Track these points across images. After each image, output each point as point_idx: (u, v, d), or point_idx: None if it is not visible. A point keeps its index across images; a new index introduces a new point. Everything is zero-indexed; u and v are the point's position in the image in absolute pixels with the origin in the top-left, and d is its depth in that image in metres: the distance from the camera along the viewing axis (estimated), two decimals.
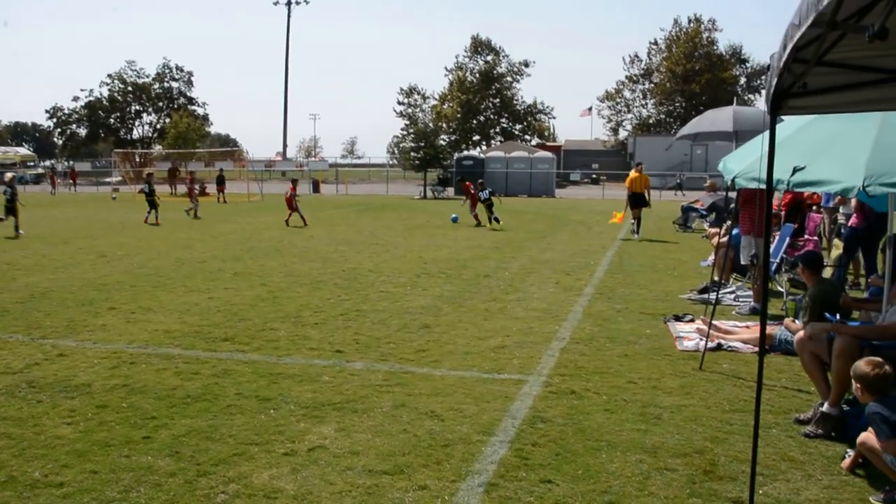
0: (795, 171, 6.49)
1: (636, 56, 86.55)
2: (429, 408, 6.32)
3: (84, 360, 7.73)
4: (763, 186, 7.71)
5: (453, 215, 23.69)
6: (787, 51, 3.29)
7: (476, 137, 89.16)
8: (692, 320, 9.75)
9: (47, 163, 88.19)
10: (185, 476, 4.91)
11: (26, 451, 5.32)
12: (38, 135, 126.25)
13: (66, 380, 7.05)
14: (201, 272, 13.85)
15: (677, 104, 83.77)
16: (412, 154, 48.39)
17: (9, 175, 22.46)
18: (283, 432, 5.71)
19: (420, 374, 7.36)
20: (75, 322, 9.57)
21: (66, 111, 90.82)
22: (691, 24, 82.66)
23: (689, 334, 9.00)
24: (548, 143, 77.34)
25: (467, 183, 27.07)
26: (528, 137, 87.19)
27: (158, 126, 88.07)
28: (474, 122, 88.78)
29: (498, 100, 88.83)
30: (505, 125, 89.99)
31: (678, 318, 9.87)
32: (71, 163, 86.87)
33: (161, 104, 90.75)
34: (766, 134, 4.52)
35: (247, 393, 6.65)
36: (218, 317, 9.92)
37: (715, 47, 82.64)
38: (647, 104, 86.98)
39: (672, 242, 20.11)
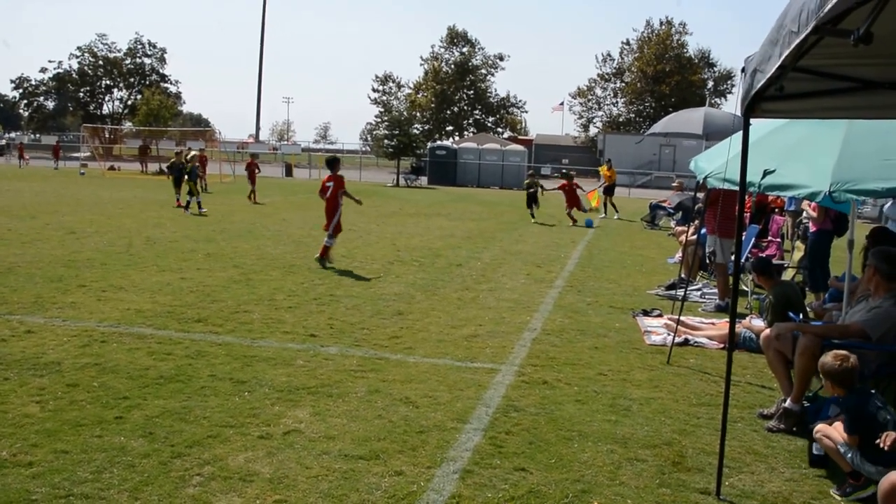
0: (766, 174, 6.62)
1: (608, 55, 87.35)
2: (403, 394, 6.36)
3: (53, 338, 7.64)
4: (732, 187, 7.85)
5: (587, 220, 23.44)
6: (782, 57, 3.34)
7: (449, 128, 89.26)
8: (660, 315, 9.89)
9: (12, 135, 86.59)
10: (160, 457, 4.90)
11: None
12: (1, 105, 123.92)
13: (34, 357, 6.97)
14: (173, 252, 13.75)
15: (647, 104, 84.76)
16: (386, 142, 48.28)
17: None
18: (257, 415, 5.72)
19: (394, 360, 7.41)
20: (43, 298, 9.45)
21: (34, 82, 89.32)
22: (663, 27, 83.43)
23: (656, 329, 9.14)
24: (519, 137, 77.53)
25: (565, 183, 24.49)
26: (500, 130, 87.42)
27: (129, 102, 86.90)
28: (448, 112, 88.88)
29: (472, 91, 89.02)
30: (478, 117, 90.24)
31: (646, 313, 10.01)
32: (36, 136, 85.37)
33: (132, 80, 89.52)
34: (738, 136, 4.61)
35: (221, 375, 6.65)
36: (191, 297, 9.87)
37: (685, 50, 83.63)
38: (617, 102, 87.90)
39: (640, 239, 20.31)
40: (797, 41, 3.07)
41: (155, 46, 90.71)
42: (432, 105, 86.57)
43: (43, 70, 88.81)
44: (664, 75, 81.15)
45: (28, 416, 5.52)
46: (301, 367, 7.00)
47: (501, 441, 5.42)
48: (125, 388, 6.23)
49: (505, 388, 6.65)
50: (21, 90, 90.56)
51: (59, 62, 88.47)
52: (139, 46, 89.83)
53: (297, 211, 23.93)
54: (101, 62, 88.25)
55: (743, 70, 4.31)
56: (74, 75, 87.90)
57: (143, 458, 4.88)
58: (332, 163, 13.43)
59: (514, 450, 5.28)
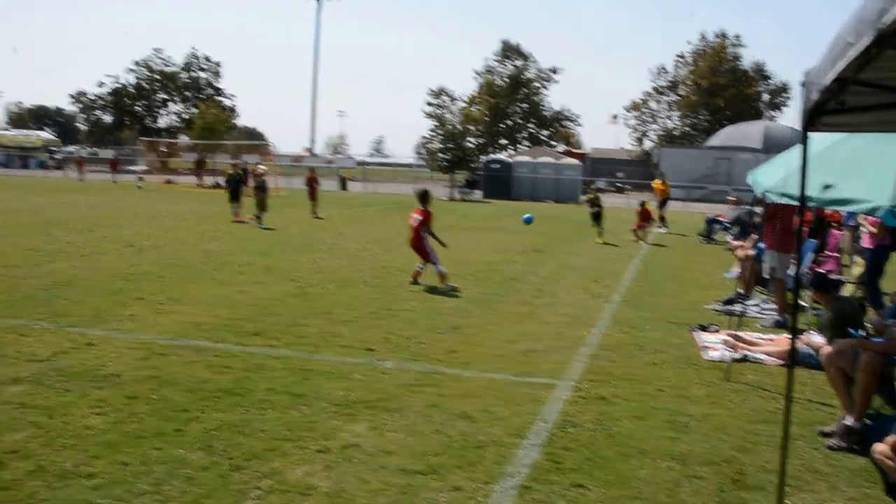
0: (825, 188, 6.49)
1: (663, 68, 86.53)
2: (460, 409, 6.34)
3: (113, 350, 7.77)
4: (791, 202, 7.72)
5: (527, 215, 21.58)
6: (841, 70, 3.26)
7: (503, 141, 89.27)
8: (717, 330, 9.73)
9: (71, 148, 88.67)
10: (219, 470, 4.94)
11: (55, 441, 5.33)
12: (61, 119, 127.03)
13: (94, 369, 7.08)
14: (230, 265, 13.93)
15: (702, 117, 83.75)
16: (440, 155, 48.46)
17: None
18: (315, 429, 5.75)
19: (451, 374, 7.39)
20: (103, 311, 9.62)
21: (92, 97, 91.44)
22: (717, 39, 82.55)
23: (714, 344, 8.99)
24: (574, 150, 77.26)
25: (647, 208, 23.48)
26: (554, 143, 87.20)
27: (185, 116, 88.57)
28: (502, 125, 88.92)
29: (526, 105, 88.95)
30: (532, 130, 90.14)
31: (703, 329, 9.85)
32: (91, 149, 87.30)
33: (188, 94, 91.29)
34: (798, 150, 4.52)
35: (279, 388, 6.69)
36: (248, 311, 9.98)
37: (739, 63, 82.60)
38: (671, 116, 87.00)
39: (696, 254, 20.04)
40: (856, 53, 3.00)
41: (210, 60, 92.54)
42: (486, 118, 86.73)
43: (100, 84, 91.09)
44: (719, 88, 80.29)
45: (89, 428, 5.61)
46: (358, 381, 7.02)
47: (559, 457, 5.37)
48: (184, 400, 6.31)
49: (562, 404, 6.60)
50: (80, 104, 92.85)
51: (117, 77, 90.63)
52: (194, 61, 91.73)
53: (353, 225, 24.11)
54: (157, 76, 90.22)
55: (802, 84, 4.23)
56: (131, 89, 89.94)
57: (202, 470, 4.93)
58: (423, 196, 13.05)
59: (571, 466, 5.23)
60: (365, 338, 8.73)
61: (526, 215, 20.85)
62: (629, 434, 5.90)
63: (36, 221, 20.88)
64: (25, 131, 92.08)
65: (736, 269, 13.46)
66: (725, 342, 8.88)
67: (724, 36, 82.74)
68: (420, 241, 12.66)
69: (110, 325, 8.91)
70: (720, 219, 24.39)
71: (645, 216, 23.11)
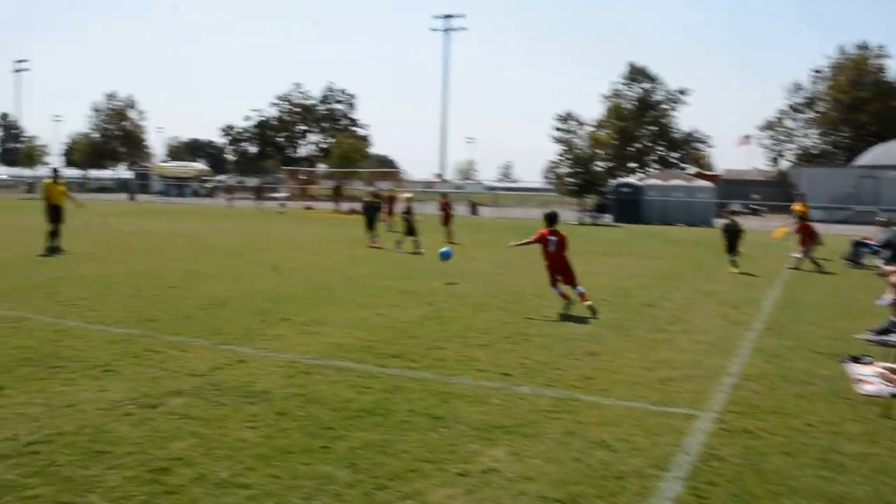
0: None
1: (798, 85, 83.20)
2: (599, 437, 6.28)
3: (262, 368, 8.13)
4: None
5: (444, 249, 17.33)
6: None
7: (632, 164, 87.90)
8: (871, 362, 9.23)
9: (220, 177, 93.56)
10: (363, 488, 5.08)
11: (213, 451, 5.66)
12: (212, 151, 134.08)
13: (246, 385, 7.45)
14: (368, 289, 14.28)
15: (843, 134, 79.84)
16: (569, 179, 48.23)
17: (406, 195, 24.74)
18: (455, 452, 5.82)
19: (588, 402, 7.32)
20: (252, 330, 10.08)
21: (238, 129, 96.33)
22: (858, 51, 78.71)
23: (869, 378, 8.52)
24: (705, 172, 75.20)
25: (807, 225, 21.72)
26: (685, 166, 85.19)
27: (323, 146, 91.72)
28: (630, 149, 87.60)
29: (654, 127, 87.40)
30: (662, 153, 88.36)
31: (856, 360, 9.36)
32: (237, 179, 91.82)
33: (325, 125, 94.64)
34: None
35: (418, 410, 6.81)
36: (387, 333, 10.20)
37: (884, 74, 78.27)
38: (809, 134, 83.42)
39: (842, 278, 19.10)
40: None
41: (345, 93, 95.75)
42: (614, 142, 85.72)
43: (247, 118, 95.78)
44: (861, 102, 76.19)
45: (243, 441, 5.90)
46: (496, 406, 7.06)
47: (704, 492, 5.22)
48: (329, 418, 6.51)
49: (704, 436, 6.41)
50: (228, 137, 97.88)
51: (261, 110, 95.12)
52: (331, 94, 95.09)
53: (484, 249, 24.26)
54: (297, 109, 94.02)
55: None
56: (274, 122, 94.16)
57: (348, 487, 5.08)
58: (555, 217, 13.08)
59: (718, 502, 5.07)
60: (501, 362, 8.76)
61: (443, 249, 17.17)
62: (778, 471, 5.67)
63: (191, 245, 22.11)
64: (181, 162, 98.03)
65: (889, 296, 12.75)
66: (882, 375, 8.42)
67: (865, 47, 78.87)
68: (566, 261, 12.67)
69: (259, 343, 9.31)
70: (868, 241, 23.15)
71: (807, 232, 21.42)
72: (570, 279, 12.60)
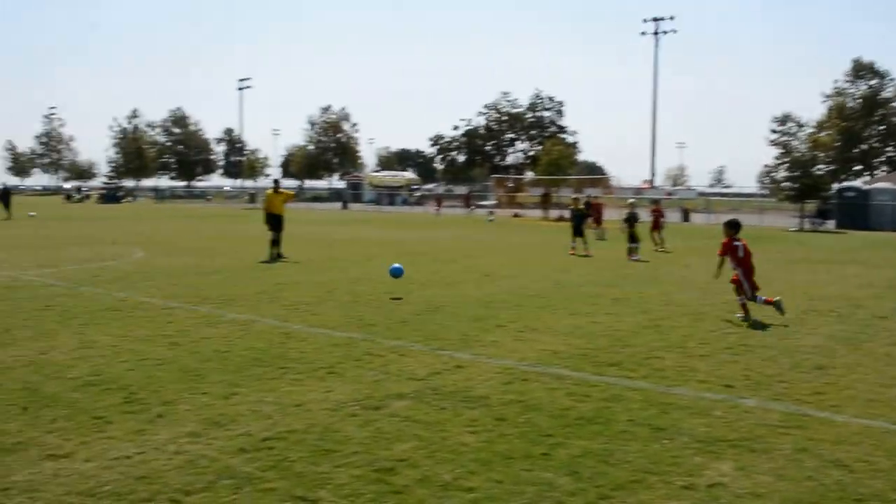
0: None
1: None
2: (834, 456, 5.87)
3: (479, 374, 8.24)
4: None
5: (395, 265, 15.48)
6: None
7: (858, 167, 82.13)
8: None
9: (429, 186, 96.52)
10: (586, 497, 5.02)
11: (436, 454, 5.78)
12: (421, 160, 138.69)
13: (465, 390, 7.57)
14: (581, 296, 14.18)
15: None
16: (787, 184, 45.74)
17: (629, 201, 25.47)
18: (679, 464, 5.63)
19: (819, 418, 6.87)
20: (468, 336, 10.26)
21: (447, 139, 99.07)
22: None
23: None
24: None
25: None
26: None
27: (530, 153, 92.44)
28: (855, 150, 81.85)
29: (883, 126, 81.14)
30: (891, 154, 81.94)
31: None
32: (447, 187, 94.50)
33: (533, 132, 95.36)
34: None
35: (639, 420, 6.66)
36: (602, 341, 10.07)
37: None
38: None
39: None
40: None
41: (552, 100, 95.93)
42: (837, 144, 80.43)
43: (455, 128, 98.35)
44: None
45: (464, 445, 6.00)
46: (720, 419, 6.77)
47: None
48: (548, 425, 6.50)
49: None
50: (437, 146, 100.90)
51: (469, 120, 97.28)
52: (539, 101, 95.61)
53: (699, 256, 23.41)
54: (504, 117, 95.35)
55: None
56: (482, 131, 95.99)
57: (570, 496, 5.04)
58: (737, 225, 12.77)
59: None
60: (722, 373, 8.41)
61: (394, 265, 15.55)
62: None
63: (405, 252, 22.90)
64: (392, 172, 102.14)
65: None
66: None
67: None
68: (753, 271, 12.20)
69: (475, 349, 9.47)
70: None
71: None
72: (753, 286, 12.02)
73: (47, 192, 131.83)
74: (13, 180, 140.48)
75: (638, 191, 67.84)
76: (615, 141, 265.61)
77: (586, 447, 5.97)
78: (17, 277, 16.14)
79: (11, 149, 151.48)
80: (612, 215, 34.72)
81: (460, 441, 6.09)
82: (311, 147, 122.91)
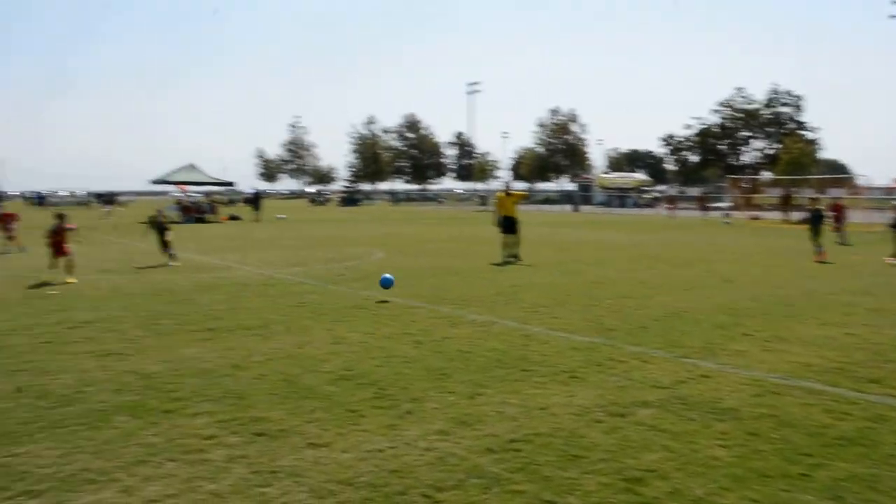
0: None
1: None
2: None
3: (727, 384, 7.95)
4: None
5: (386, 276, 14.74)
6: None
7: None
8: None
9: (661, 187, 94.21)
10: None
11: (687, 467, 5.63)
12: (651, 161, 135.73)
13: (713, 401, 7.32)
14: (833, 305, 13.27)
15: None
16: None
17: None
18: None
19: None
20: (712, 344, 9.91)
21: (679, 138, 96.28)
22: None
23: None
24: None
25: None
26: None
27: (768, 152, 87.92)
28: None
29: None
30: None
31: None
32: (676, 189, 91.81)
33: (770, 130, 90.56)
34: None
35: None
36: (859, 355, 9.38)
37: None
38: None
39: None
40: None
41: (791, 94, 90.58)
42: None
43: (687, 126, 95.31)
44: None
45: (716, 459, 5.82)
46: None
47: None
48: (805, 444, 6.16)
49: None
50: (668, 146, 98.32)
51: (702, 118, 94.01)
52: (776, 97, 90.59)
53: None
54: (739, 115, 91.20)
55: None
56: (715, 129, 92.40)
57: None
58: None
59: None
60: None
61: (385, 276, 14.71)
62: None
63: (639, 255, 22.57)
64: (622, 174, 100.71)
65: None
66: None
67: None
68: None
69: (720, 358, 9.15)
70: None
71: None
72: None
73: (294, 195, 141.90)
74: (264, 185, 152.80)
75: (889, 191, 62.50)
76: (863, 138, 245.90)
77: (850, 470, 5.60)
78: (272, 276, 17.51)
79: (261, 156, 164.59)
80: (857, 218, 32.31)
81: (711, 454, 5.91)
82: (541, 149, 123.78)
